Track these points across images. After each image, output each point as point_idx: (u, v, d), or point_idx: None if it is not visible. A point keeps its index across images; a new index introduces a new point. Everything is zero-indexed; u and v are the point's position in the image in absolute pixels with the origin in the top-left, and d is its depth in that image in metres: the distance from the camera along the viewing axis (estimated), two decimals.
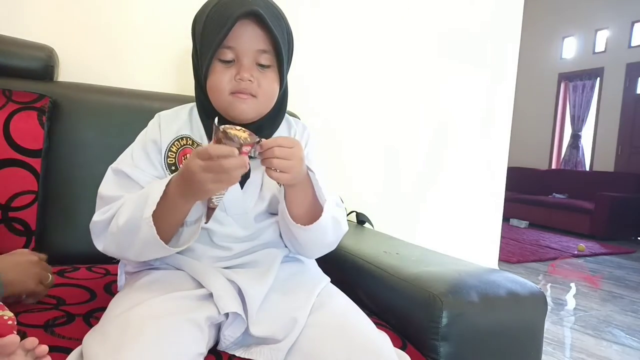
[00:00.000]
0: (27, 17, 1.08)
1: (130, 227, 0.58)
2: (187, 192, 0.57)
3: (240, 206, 0.70)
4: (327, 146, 1.40)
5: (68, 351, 0.55)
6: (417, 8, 1.52)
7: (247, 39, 0.64)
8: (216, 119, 0.57)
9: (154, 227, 0.57)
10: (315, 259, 0.80)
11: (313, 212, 0.66)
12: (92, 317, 0.67)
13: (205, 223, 0.64)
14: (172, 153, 0.70)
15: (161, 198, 0.57)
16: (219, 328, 0.60)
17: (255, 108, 0.68)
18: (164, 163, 0.69)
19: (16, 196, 0.89)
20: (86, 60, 1.13)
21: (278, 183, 0.68)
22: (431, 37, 1.55)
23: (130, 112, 1.02)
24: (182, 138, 0.71)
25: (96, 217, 0.63)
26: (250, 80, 0.65)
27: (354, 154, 1.48)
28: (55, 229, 0.96)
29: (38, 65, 1.00)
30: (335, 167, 1.43)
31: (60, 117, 0.98)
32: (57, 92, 0.99)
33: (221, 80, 0.65)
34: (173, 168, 0.69)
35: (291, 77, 0.75)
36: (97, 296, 0.75)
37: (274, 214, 0.74)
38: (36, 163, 0.91)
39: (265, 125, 0.73)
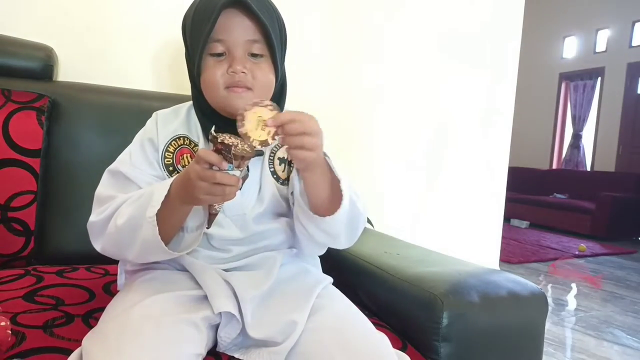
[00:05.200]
0: (26, 17, 1.08)
1: (130, 226, 0.57)
2: (184, 196, 0.56)
3: (239, 207, 0.68)
4: (326, 146, 1.39)
5: (67, 352, 0.54)
6: (417, 8, 1.51)
7: (236, 30, 0.63)
8: (213, 128, 0.55)
9: (157, 227, 0.56)
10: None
11: (332, 200, 0.62)
12: (91, 317, 0.66)
13: (207, 228, 0.62)
14: (169, 153, 0.69)
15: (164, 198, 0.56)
16: (217, 329, 0.60)
17: None
18: (161, 163, 0.68)
19: (15, 196, 0.89)
20: (86, 60, 1.13)
21: (297, 170, 0.63)
22: (431, 37, 1.55)
23: (129, 112, 1.02)
24: (179, 138, 0.70)
25: (93, 217, 0.63)
26: (243, 72, 0.63)
27: (353, 153, 1.48)
28: (55, 229, 0.95)
29: (37, 65, 1.00)
30: None
31: (60, 117, 0.97)
32: (56, 92, 0.99)
33: (214, 74, 0.64)
34: (171, 169, 0.68)
35: (287, 75, 0.74)
36: (96, 296, 0.75)
37: (279, 214, 0.72)
38: (35, 163, 0.91)
39: None
